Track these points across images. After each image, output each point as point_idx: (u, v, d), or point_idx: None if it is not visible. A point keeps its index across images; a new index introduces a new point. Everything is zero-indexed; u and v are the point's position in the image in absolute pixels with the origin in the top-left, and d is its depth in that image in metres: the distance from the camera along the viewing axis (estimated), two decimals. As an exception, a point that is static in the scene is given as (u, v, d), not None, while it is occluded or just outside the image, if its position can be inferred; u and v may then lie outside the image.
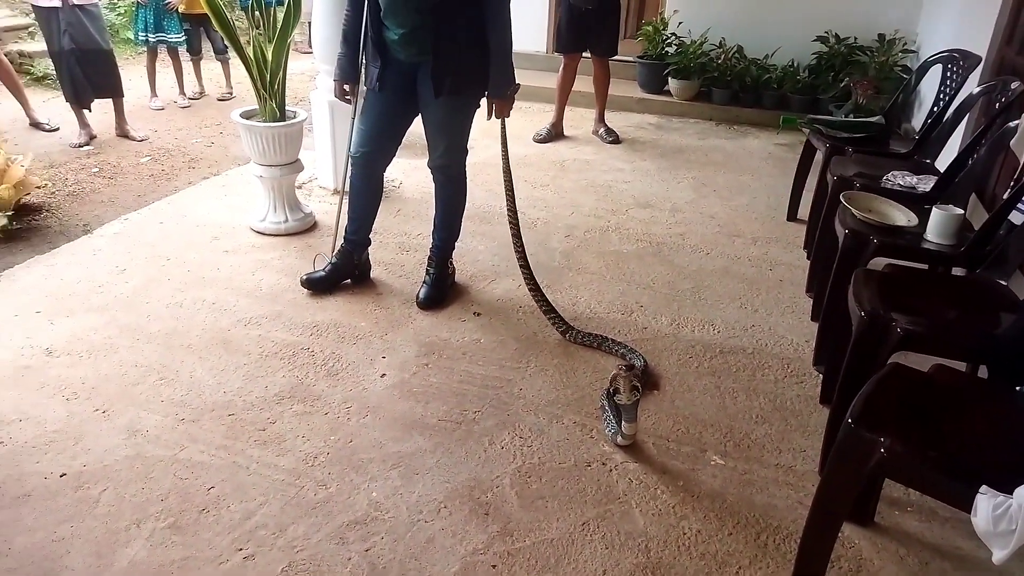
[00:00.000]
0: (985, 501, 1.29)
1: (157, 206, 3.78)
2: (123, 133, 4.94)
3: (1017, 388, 1.61)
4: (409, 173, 4.18)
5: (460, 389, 2.42)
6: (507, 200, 2.76)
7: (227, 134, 5.31)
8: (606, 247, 3.53)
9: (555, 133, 5.14)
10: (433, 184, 2.86)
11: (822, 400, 2.44)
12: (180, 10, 5.61)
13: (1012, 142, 2.45)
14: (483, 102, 2.69)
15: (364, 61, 2.68)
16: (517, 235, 2.76)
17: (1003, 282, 2.10)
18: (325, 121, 3.85)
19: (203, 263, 3.17)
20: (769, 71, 5.65)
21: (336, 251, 2.99)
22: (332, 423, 2.24)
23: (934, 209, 2.43)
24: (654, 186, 4.36)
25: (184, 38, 5.74)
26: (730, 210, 4.06)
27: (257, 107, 3.34)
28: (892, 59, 5.27)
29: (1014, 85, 2.74)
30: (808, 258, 3.47)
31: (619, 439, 2.15)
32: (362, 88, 2.75)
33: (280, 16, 3.24)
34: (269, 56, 3.16)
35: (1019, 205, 2.22)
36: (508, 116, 2.66)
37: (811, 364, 2.65)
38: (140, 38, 5.62)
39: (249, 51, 3.17)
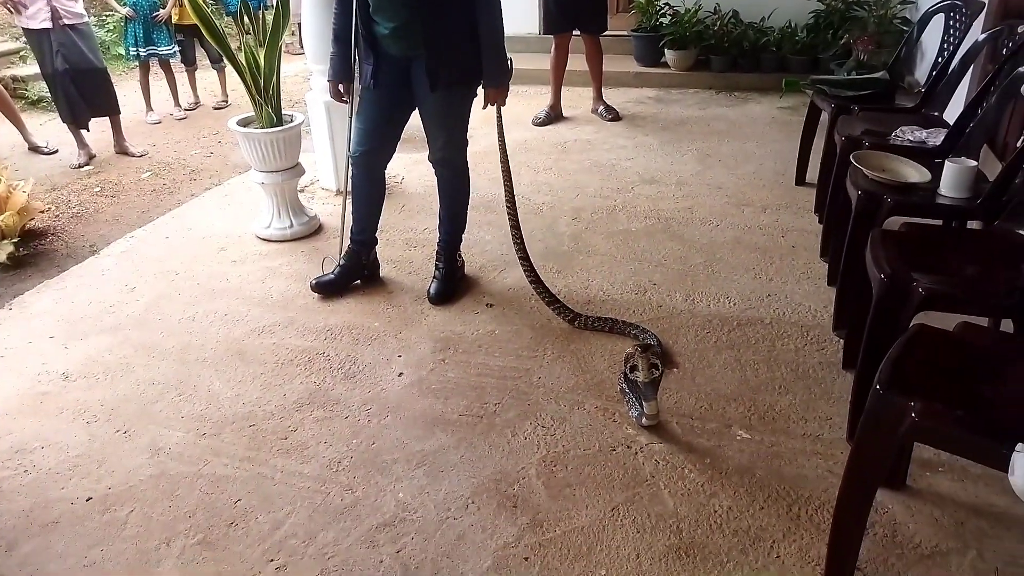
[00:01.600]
0: (1022, 459, 1.26)
1: (162, 221, 3.77)
2: (122, 150, 4.93)
3: (1047, 341, 1.58)
4: (411, 168, 4.16)
5: (478, 382, 2.41)
6: (505, 191, 2.73)
7: (226, 143, 5.29)
8: (614, 227, 3.49)
9: (554, 115, 5.09)
10: (436, 178, 2.83)
11: (845, 365, 2.41)
12: (173, 21, 5.59)
13: (1023, 88, 2.39)
14: (479, 91, 2.66)
15: (357, 59, 2.64)
16: (516, 226, 2.73)
17: (1023, 232, 2.05)
18: (323, 122, 3.82)
19: (212, 275, 3.17)
20: (767, 34, 5.57)
21: (343, 253, 2.97)
22: (353, 426, 2.23)
23: (947, 163, 2.38)
24: (658, 161, 4.31)
25: (175, 50, 5.73)
26: (737, 179, 4.00)
27: (253, 114, 3.32)
28: (891, 12, 5.17)
29: (1021, 29, 2.67)
30: (820, 222, 3.42)
31: (643, 420, 2.13)
32: (357, 86, 2.72)
33: (269, 19, 3.21)
34: (261, 61, 3.13)
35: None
36: (504, 104, 2.62)
37: (831, 330, 2.61)
38: (131, 53, 5.61)
39: (241, 58, 3.14)
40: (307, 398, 2.36)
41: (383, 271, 3.10)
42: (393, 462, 2.08)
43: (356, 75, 2.69)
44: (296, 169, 3.42)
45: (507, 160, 2.70)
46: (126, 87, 6.43)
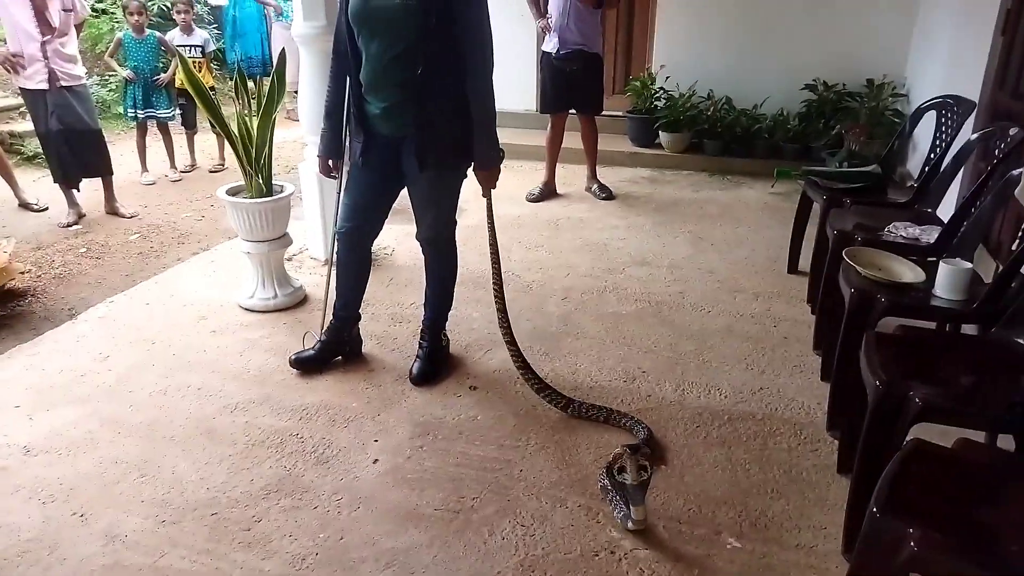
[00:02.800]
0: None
1: (144, 286, 3.70)
2: (112, 211, 4.90)
3: (1052, 464, 1.50)
4: (401, 240, 4.12)
5: (456, 473, 2.30)
6: (493, 275, 2.68)
7: (218, 207, 5.26)
8: (604, 309, 3.44)
9: (548, 191, 5.10)
10: (423, 257, 2.79)
11: (839, 469, 2.32)
12: (176, 84, 5.63)
13: (1017, 191, 2.38)
14: (470, 172, 2.64)
15: (347, 136, 2.63)
16: (502, 310, 2.67)
17: (1021, 341, 2.00)
18: (314, 191, 3.80)
19: (189, 345, 3.08)
20: (759, 121, 5.64)
21: (325, 328, 2.90)
22: (322, 518, 2.11)
23: (942, 264, 2.34)
24: (650, 242, 4.29)
25: (174, 113, 5.77)
26: (729, 264, 3.98)
27: (243, 182, 3.29)
28: (883, 104, 5.27)
29: (1012, 131, 2.69)
30: (812, 313, 3.38)
31: (629, 524, 2.02)
32: (346, 162, 2.69)
33: (266, 87, 3.22)
34: (254, 132, 3.12)
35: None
36: (495, 187, 2.59)
37: (825, 429, 2.53)
38: (129, 114, 5.64)
39: (233, 127, 3.13)
40: (275, 484, 2.25)
41: (366, 347, 3.02)
42: (361, 561, 1.95)
43: (347, 151, 2.67)
44: (283, 240, 3.38)
45: (496, 242, 2.66)
46: (123, 146, 6.45)
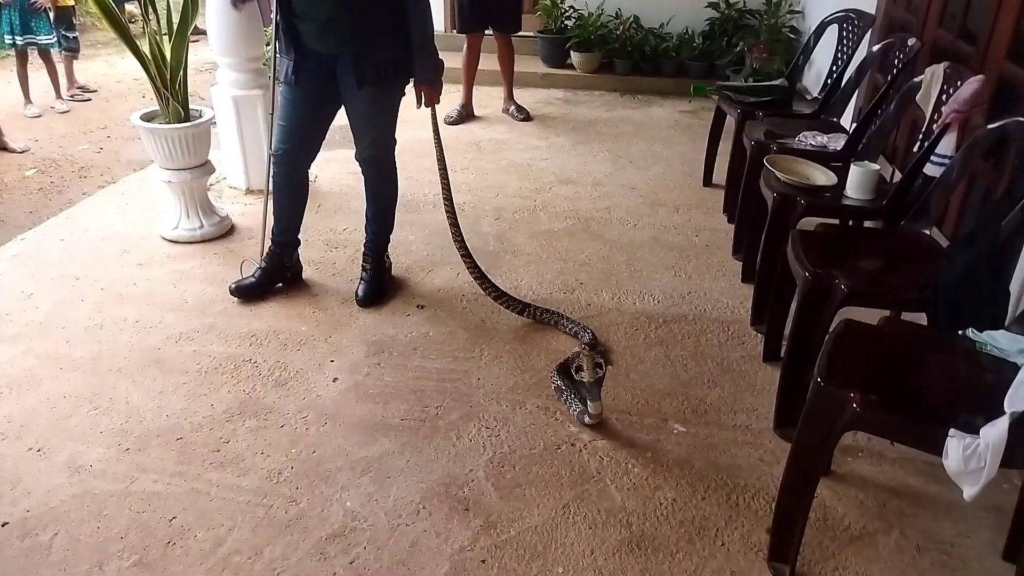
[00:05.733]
0: (955, 443, 1.38)
1: (55, 222, 3.49)
2: (1, 145, 4.54)
3: (960, 332, 1.73)
4: (324, 166, 4.02)
5: (417, 385, 2.38)
6: (443, 190, 2.72)
7: (116, 138, 4.98)
8: (536, 227, 3.54)
9: (466, 114, 5.08)
10: (362, 177, 2.78)
11: (765, 358, 2.55)
12: (53, 4, 5.17)
13: (918, 97, 2.60)
14: (408, 90, 2.63)
15: (276, 53, 2.55)
16: (455, 224, 2.72)
17: (926, 232, 2.24)
18: (230, 117, 3.66)
19: (117, 279, 2.97)
20: (666, 40, 5.77)
21: (264, 255, 2.86)
22: (291, 435, 2.16)
23: (852, 166, 2.55)
24: (572, 161, 4.39)
25: (54, 39, 5.31)
26: (648, 180, 4.14)
27: (158, 108, 3.13)
28: (780, 21, 5.48)
29: (911, 42, 2.90)
30: (729, 221, 3.60)
31: (586, 419, 2.18)
32: (279, 82, 2.63)
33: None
34: (168, 53, 2.96)
35: (932, 157, 2.36)
36: (438, 102, 2.60)
37: (749, 325, 2.75)
38: (7, 42, 5.15)
39: (144, 48, 2.96)
40: (237, 407, 2.27)
41: (305, 273, 3.01)
42: (337, 470, 2.03)
43: (275, 70, 2.60)
44: (206, 167, 3.26)
45: (444, 159, 2.69)
46: (1, 77, 5.91)
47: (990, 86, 2.51)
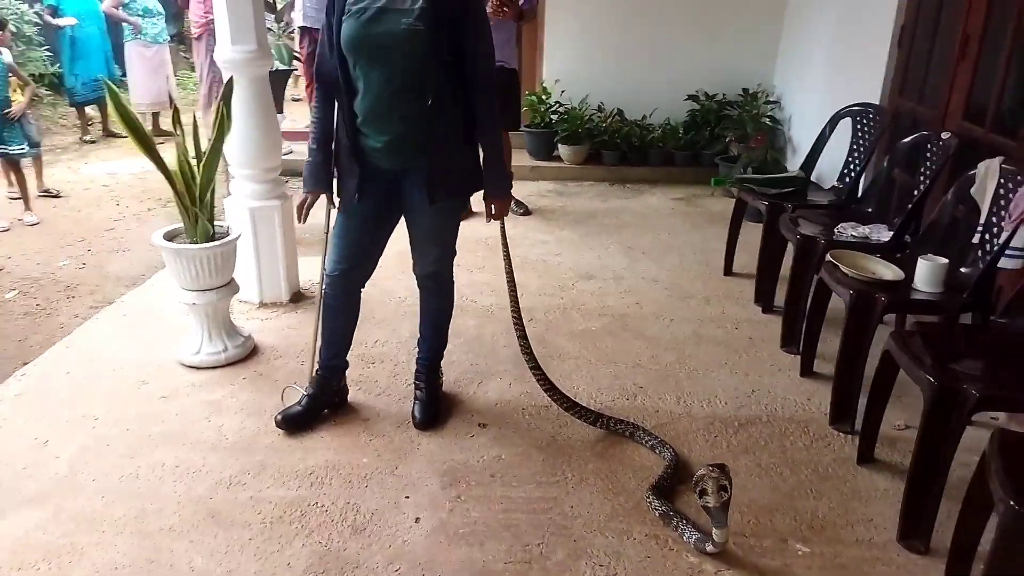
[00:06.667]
0: None
1: (55, 352, 3.19)
2: (-27, 266, 4.22)
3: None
4: (337, 274, 3.87)
5: (508, 520, 2.18)
6: (511, 301, 2.60)
7: (97, 250, 4.70)
8: (573, 327, 3.42)
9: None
10: (419, 292, 2.64)
11: (859, 461, 2.45)
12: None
13: (972, 190, 2.63)
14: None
15: (336, 173, 2.41)
16: (523, 335, 2.60)
17: (1026, 326, 2.21)
18: (246, 229, 3.46)
19: (142, 417, 2.69)
20: (650, 131, 5.88)
21: (311, 380, 2.65)
22: (389, 593, 1.92)
23: (920, 260, 2.55)
24: (586, 255, 4.33)
25: (25, 148, 5.06)
26: (667, 271, 4.10)
27: (182, 226, 2.94)
28: (760, 112, 5.66)
29: (944, 136, 2.97)
30: (764, 312, 3.56)
31: (708, 547, 2.01)
32: (333, 206, 2.48)
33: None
34: (199, 174, 2.79)
35: (1007, 251, 2.36)
36: (507, 215, 2.50)
37: (828, 424, 2.66)
38: (-27, 154, 4.89)
39: (173, 164, 2.79)
40: (318, 564, 2.02)
41: (350, 396, 2.79)
42: (454, 633, 1.80)
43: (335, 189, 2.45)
44: (231, 286, 3.06)
45: (511, 270, 2.58)
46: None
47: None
